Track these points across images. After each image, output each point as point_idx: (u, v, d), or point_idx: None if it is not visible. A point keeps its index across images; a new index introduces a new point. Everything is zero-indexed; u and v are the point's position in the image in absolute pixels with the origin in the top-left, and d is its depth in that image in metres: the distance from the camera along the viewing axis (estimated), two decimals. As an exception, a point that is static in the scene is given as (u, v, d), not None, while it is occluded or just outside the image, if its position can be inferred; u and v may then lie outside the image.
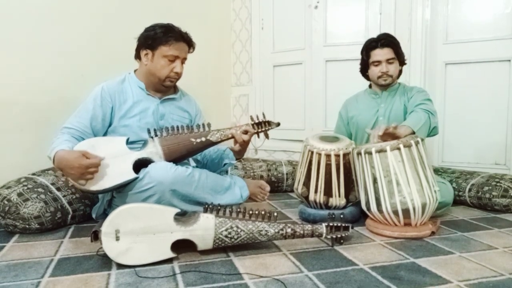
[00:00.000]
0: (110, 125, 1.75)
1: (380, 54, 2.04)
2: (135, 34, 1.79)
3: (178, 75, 1.79)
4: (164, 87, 1.81)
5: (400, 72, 2.15)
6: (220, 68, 3.27)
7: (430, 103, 1.98)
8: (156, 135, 1.66)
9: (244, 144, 1.76)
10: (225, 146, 1.88)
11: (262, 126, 1.78)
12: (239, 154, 1.83)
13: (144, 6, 2.58)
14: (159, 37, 1.71)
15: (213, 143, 1.73)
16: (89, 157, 1.48)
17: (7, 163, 1.98)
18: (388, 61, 2.04)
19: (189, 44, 1.80)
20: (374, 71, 2.08)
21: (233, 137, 1.73)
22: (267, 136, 1.80)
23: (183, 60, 1.79)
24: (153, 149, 1.64)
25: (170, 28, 1.74)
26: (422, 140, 1.70)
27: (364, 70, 2.16)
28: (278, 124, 1.81)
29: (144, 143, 1.68)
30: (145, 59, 1.75)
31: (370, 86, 2.22)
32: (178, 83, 1.89)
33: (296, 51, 3.01)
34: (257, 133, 1.77)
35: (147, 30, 1.76)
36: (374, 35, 2.15)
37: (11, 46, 2.02)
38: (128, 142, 1.64)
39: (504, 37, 2.45)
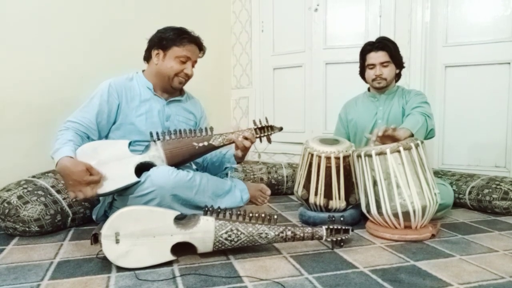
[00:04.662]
0: (115, 122, 1.75)
1: (374, 57, 2.05)
2: (134, 36, 1.80)
3: (188, 77, 1.80)
4: (172, 88, 1.81)
5: (399, 75, 2.15)
6: (220, 71, 3.28)
7: (427, 106, 1.98)
8: (158, 139, 1.66)
9: (245, 150, 1.76)
10: (226, 150, 1.88)
11: (265, 130, 1.77)
12: (240, 158, 1.83)
13: (144, 9, 2.58)
14: (173, 38, 1.73)
15: (215, 148, 1.72)
16: (93, 173, 1.48)
17: (7, 165, 1.98)
18: (382, 64, 2.05)
19: (200, 47, 1.81)
20: (369, 74, 2.10)
21: (234, 142, 1.73)
22: (269, 141, 1.79)
23: (194, 63, 1.81)
24: (156, 153, 1.63)
25: (184, 31, 1.77)
26: (422, 142, 1.70)
27: (362, 73, 2.17)
28: (281, 129, 1.80)
29: (147, 146, 1.67)
30: (156, 59, 1.76)
31: (369, 89, 2.22)
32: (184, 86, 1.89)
33: (296, 54, 3.01)
34: (260, 137, 1.77)
35: (160, 31, 1.78)
36: (374, 37, 2.16)
37: (12, 47, 2.02)
38: (130, 145, 1.63)
39: (504, 40, 2.45)
